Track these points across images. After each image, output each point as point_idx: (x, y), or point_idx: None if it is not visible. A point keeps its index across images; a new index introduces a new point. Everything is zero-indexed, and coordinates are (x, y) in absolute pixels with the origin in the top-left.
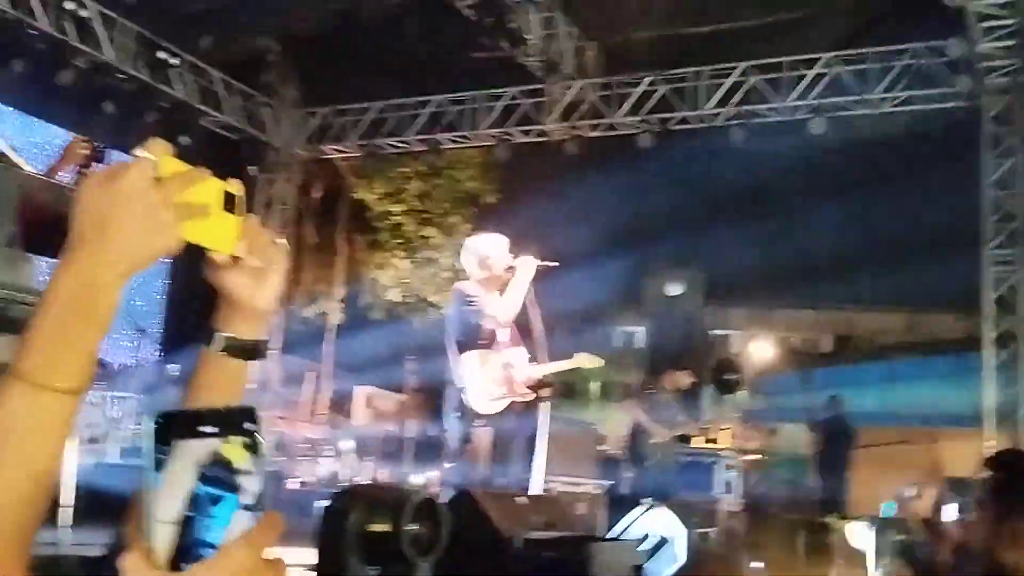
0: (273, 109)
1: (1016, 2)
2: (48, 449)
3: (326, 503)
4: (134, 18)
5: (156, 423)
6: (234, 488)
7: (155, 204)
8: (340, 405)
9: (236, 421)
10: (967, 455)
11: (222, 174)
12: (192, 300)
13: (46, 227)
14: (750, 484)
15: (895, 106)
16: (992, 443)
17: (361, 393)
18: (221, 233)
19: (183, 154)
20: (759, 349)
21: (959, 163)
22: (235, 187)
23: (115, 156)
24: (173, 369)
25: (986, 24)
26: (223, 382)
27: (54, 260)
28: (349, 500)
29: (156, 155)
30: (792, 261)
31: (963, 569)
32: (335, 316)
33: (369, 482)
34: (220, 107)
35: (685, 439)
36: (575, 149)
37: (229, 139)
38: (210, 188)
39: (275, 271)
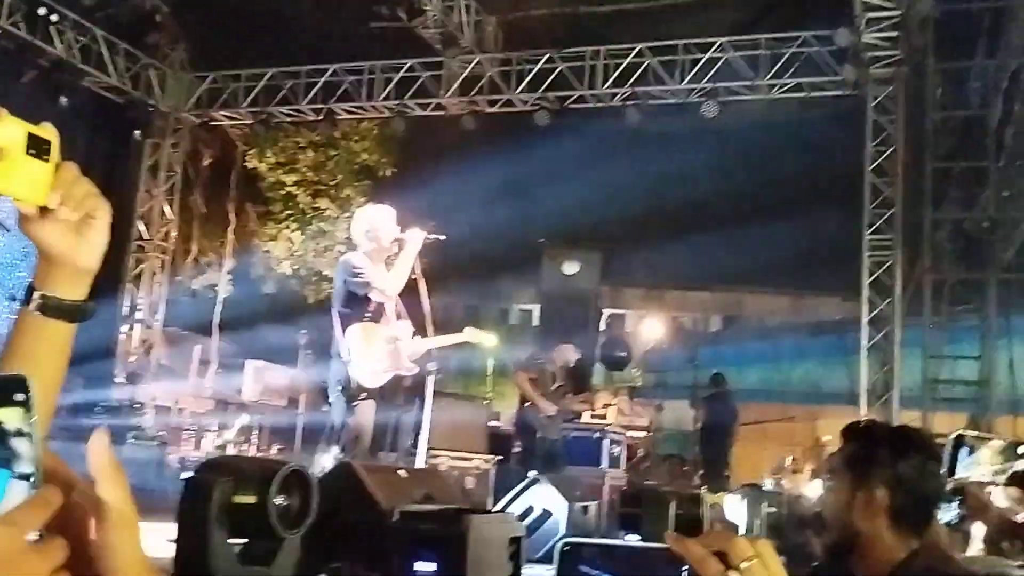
0: (160, 71)
1: None
2: None
3: (190, 474)
4: None
5: None
6: (6, 456)
7: None
8: (228, 378)
9: (6, 391)
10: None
11: (105, 137)
12: None
13: None
14: (636, 459)
15: (784, 92)
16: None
17: (251, 367)
18: (27, 181)
19: (63, 114)
20: (649, 328)
21: (844, 150)
22: (46, 131)
23: None
24: None
25: (872, 15)
26: (43, 345)
27: None
28: (213, 471)
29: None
30: (684, 242)
31: (822, 537)
32: (224, 288)
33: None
34: (104, 67)
35: (573, 414)
36: (472, 124)
37: (113, 101)
38: (11, 131)
39: (97, 225)
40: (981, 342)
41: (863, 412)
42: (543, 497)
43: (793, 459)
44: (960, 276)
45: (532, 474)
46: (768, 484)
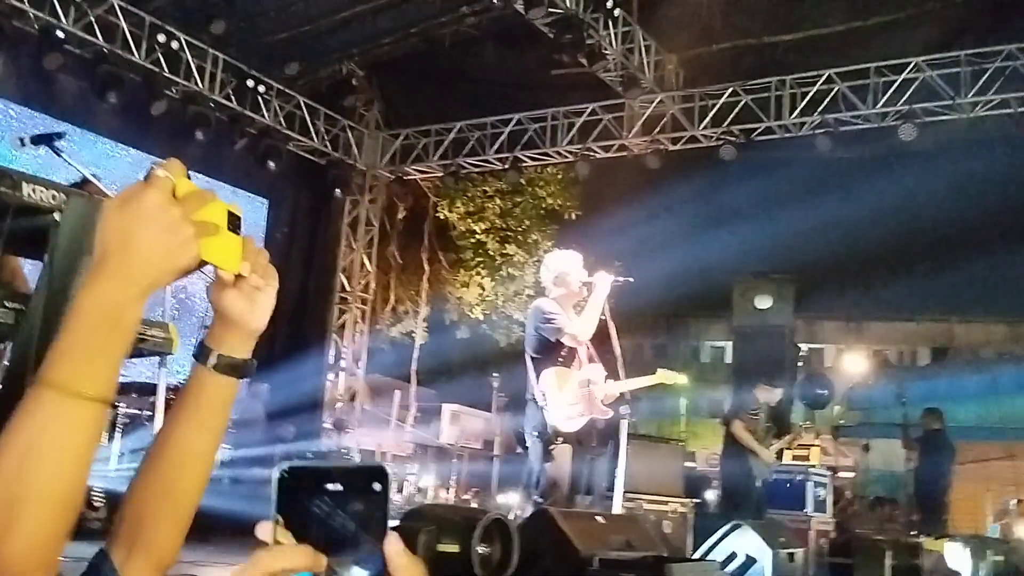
0: (357, 132)
1: None
2: (77, 457)
3: (395, 523)
4: (222, 48)
5: (281, 476)
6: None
7: (175, 222)
8: (427, 423)
9: (364, 480)
10: None
11: (309, 197)
12: None
13: None
14: (842, 502)
15: (988, 110)
16: None
17: (447, 411)
18: (228, 252)
19: (271, 177)
20: (852, 362)
21: None
22: (238, 208)
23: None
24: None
25: None
26: (214, 400)
27: None
28: (417, 520)
29: (173, 174)
30: (886, 271)
31: None
32: (420, 336)
33: (439, 502)
34: (306, 132)
35: (776, 456)
36: (657, 163)
37: (315, 163)
38: (219, 208)
39: (269, 292)
40: None
41: None
42: (746, 543)
43: (1019, 501)
44: None
45: (733, 520)
46: (992, 530)
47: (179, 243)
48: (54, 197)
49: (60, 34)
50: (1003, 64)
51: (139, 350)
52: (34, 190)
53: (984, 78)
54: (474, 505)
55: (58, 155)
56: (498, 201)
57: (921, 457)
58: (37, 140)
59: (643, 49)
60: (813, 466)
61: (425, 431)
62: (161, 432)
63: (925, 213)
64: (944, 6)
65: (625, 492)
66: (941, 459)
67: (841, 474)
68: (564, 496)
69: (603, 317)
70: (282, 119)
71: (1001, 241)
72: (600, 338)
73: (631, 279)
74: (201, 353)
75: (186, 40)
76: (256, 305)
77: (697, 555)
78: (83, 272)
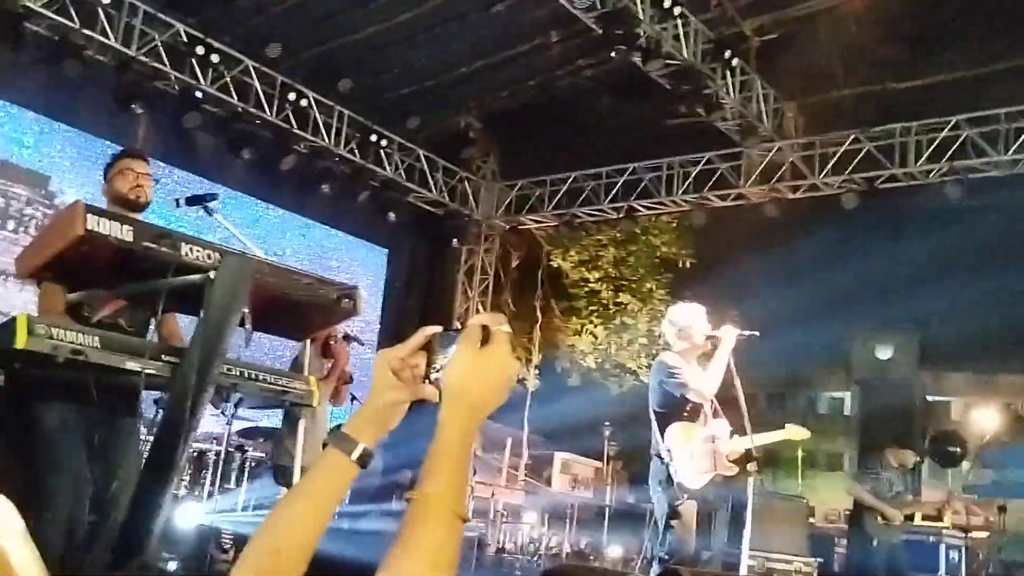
0: (474, 183)
1: None
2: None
3: None
4: (348, 104)
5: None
6: None
7: (514, 373)
8: (538, 471)
9: None
10: None
11: (428, 246)
12: None
13: (271, 309)
14: (976, 565)
15: None
16: None
17: (558, 459)
18: None
19: (392, 229)
20: (982, 417)
21: None
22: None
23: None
24: None
25: None
26: (345, 482)
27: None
28: None
29: (502, 324)
30: (1015, 322)
31: None
32: (533, 383)
33: (576, 562)
34: (426, 183)
35: (905, 518)
36: (775, 211)
37: (434, 214)
38: None
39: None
40: None
41: None
42: None
43: None
44: None
45: None
46: None
47: (508, 387)
48: (209, 256)
49: (199, 94)
50: None
51: (284, 401)
52: (191, 249)
53: None
54: (589, 554)
55: (210, 215)
56: (612, 250)
57: None
58: (191, 201)
59: (761, 98)
60: (946, 527)
61: (537, 479)
62: (288, 500)
63: None
64: None
65: (750, 550)
66: None
67: (974, 535)
68: (690, 554)
69: (728, 372)
70: (403, 172)
71: None
72: (724, 393)
73: (757, 333)
74: (344, 442)
75: (314, 98)
76: (401, 411)
77: None
78: (233, 326)
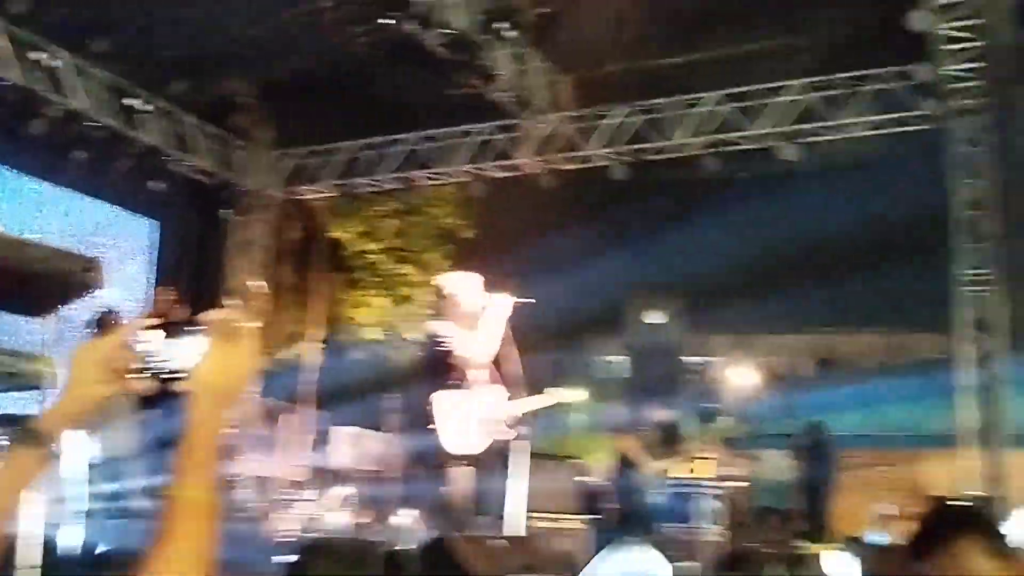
0: (247, 152)
1: (981, 25)
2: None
3: (290, 558)
4: (104, 65)
5: None
6: None
7: (256, 367)
8: (322, 446)
9: None
10: (947, 475)
11: (197, 218)
12: None
13: (6, 284)
14: (735, 513)
15: (865, 131)
16: (970, 463)
17: (344, 434)
18: None
19: (157, 198)
20: (741, 375)
21: (934, 185)
22: None
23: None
24: None
25: (951, 47)
26: (20, 476)
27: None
28: (312, 556)
29: (247, 320)
30: (772, 288)
31: None
32: (314, 356)
33: (334, 535)
34: (195, 151)
35: (669, 470)
36: (551, 183)
37: (205, 183)
38: None
39: None
40: None
41: (966, 455)
42: (643, 560)
43: (896, 507)
44: None
45: (629, 537)
46: (872, 535)
47: (252, 380)
48: None
49: None
50: (875, 87)
51: (14, 384)
52: None
53: (858, 101)
54: (373, 527)
55: None
56: (393, 221)
57: (806, 467)
58: None
59: (536, 70)
60: (706, 479)
61: (321, 455)
62: None
63: (808, 231)
64: (826, 31)
65: (527, 512)
66: (824, 469)
67: (731, 485)
68: (465, 519)
69: (504, 340)
70: (170, 138)
71: (879, 257)
72: (499, 359)
73: (532, 300)
74: (29, 439)
75: (67, 57)
76: None
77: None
78: None
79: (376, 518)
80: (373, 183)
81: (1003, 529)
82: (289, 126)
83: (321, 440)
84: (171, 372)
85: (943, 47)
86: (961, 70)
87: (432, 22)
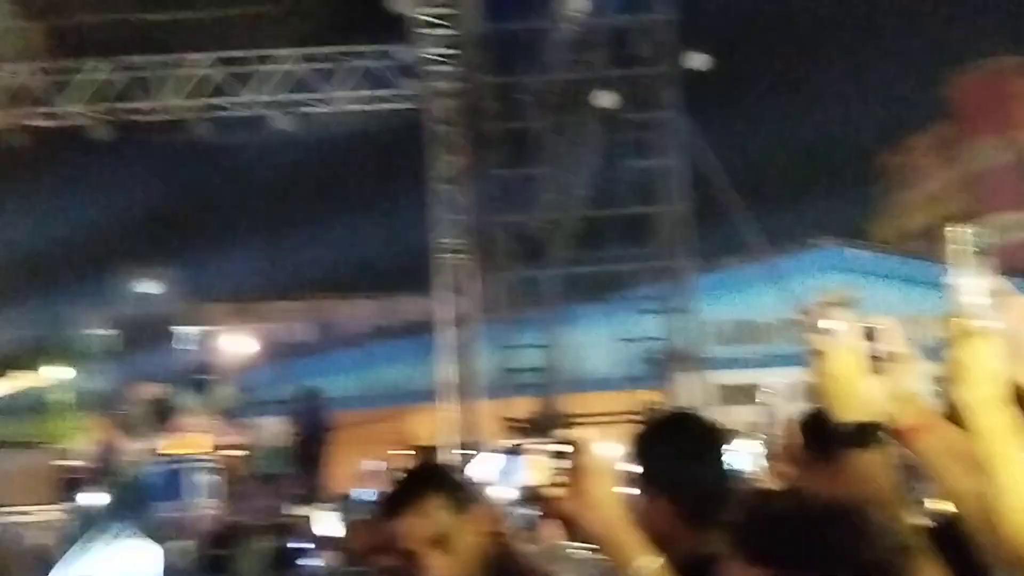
0: None
1: (456, 14)
2: None
3: None
4: None
5: None
6: None
7: None
8: None
9: None
10: (431, 427)
11: None
12: None
13: None
14: (231, 484)
15: (350, 105)
16: (450, 415)
17: None
18: None
19: None
20: (239, 343)
21: (414, 159)
22: None
23: None
24: None
25: (428, 31)
26: None
27: None
28: None
29: None
30: (269, 255)
31: None
32: None
33: None
34: None
35: (160, 447)
36: (23, 140)
37: None
38: None
39: None
40: (545, 331)
41: (444, 408)
42: (129, 547)
43: (383, 463)
44: (526, 273)
45: (116, 526)
46: (359, 492)
47: None
48: None
49: None
50: (360, 64)
51: None
52: None
53: (345, 75)
54: None
55: None
56: None
57: (301, 432)
58: None
59: (3, 12)
60: (203, 453)
61: None
62: None
63: (300, 199)
64: (312, 4)
65: None
66: (318, 432)
67: (229, 454)
68: None
69: None
70: None
71: (370, 225)
72: None
73: None
74: None
75: None
76: None
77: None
78: None
79: None
80: None
81: (467, 476)
82: None
83: None
84: None
85: (422, 31)
86: (438, 54)
87: None
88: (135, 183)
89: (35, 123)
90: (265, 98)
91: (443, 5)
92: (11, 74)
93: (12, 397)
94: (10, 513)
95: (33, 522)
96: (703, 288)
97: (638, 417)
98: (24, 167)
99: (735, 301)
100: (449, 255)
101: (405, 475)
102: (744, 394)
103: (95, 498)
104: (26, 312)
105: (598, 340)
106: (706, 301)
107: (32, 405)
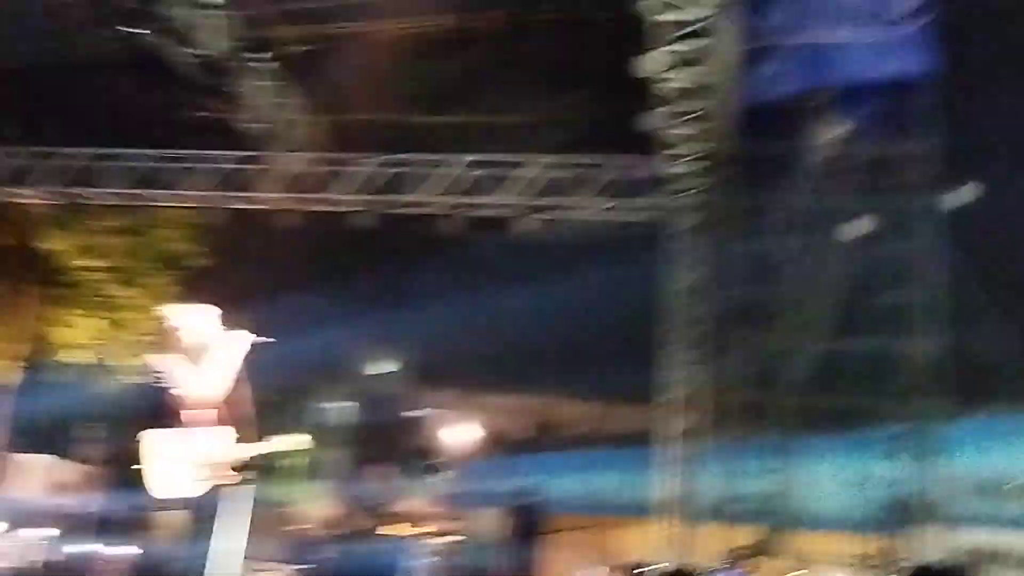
0: None
1: (702, 133)
2: None
3: None
4: None
5: None
6: None
7: None
8: (15, 474)
9: None
10: (649, 542)
11: None
12: None
13: None
14: (445, 570)
15: (598, 213)
16: (658, 531)
17: (38, 463)
18: None
19: None
20: (462, 432)
21: (651, 273)
22: None
23: None
24: None
25: (677, 150)
26: None
27: None
28: None
29: None
30: (498, 348)
31: None
32: (14, 377)
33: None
34: None
35: (383, 524)
36: (292, 220)
37: None
38: None
39: None
40: (775, 458)
41: (661, 525)
42: None
43: (602, 572)
44: (755, 397)
45: None
46: None
47: None
48: None
49: None
50: (610, 176)
51: None
52: None
53: (594, 185)
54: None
55: None
56: (117, 239)
57: (516, 528)
58: None
59: (289, 106)
60: (418, 535)
61: (9, 484)
62: None
63: (539, 300)
64: (568, 116)
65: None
66: (533, 530)
67: (445, 540)
68: (161, 563)
69: (239, 377)
70: None
71: (598, 332)
72: (231, 399)
73: (272, 339)
74: None
75: None
76: None
77: None
78: None
79: (74, 552)
80: (101, 196)
81: None
82: (13, 122)
83: (15, 468)
84: None
85: (672, 148)
86: (686, 171)
87: (186, 39)
88: (389, 268)
89: (305, 208)
90: (514, 200)
91: (695, 120)
92: (294, 162)
93: (262, 458)
94: (252, 565)
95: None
96: (959, 434)
97: (873, 563)
98: (290, 245)
99: (994, 452)
100: (678, 369)
101: None
102: (994, 559)
103: (326, 559)
104: (278, 382)
105: (831, 476)
106: (960, 449)
107: (268, 468)
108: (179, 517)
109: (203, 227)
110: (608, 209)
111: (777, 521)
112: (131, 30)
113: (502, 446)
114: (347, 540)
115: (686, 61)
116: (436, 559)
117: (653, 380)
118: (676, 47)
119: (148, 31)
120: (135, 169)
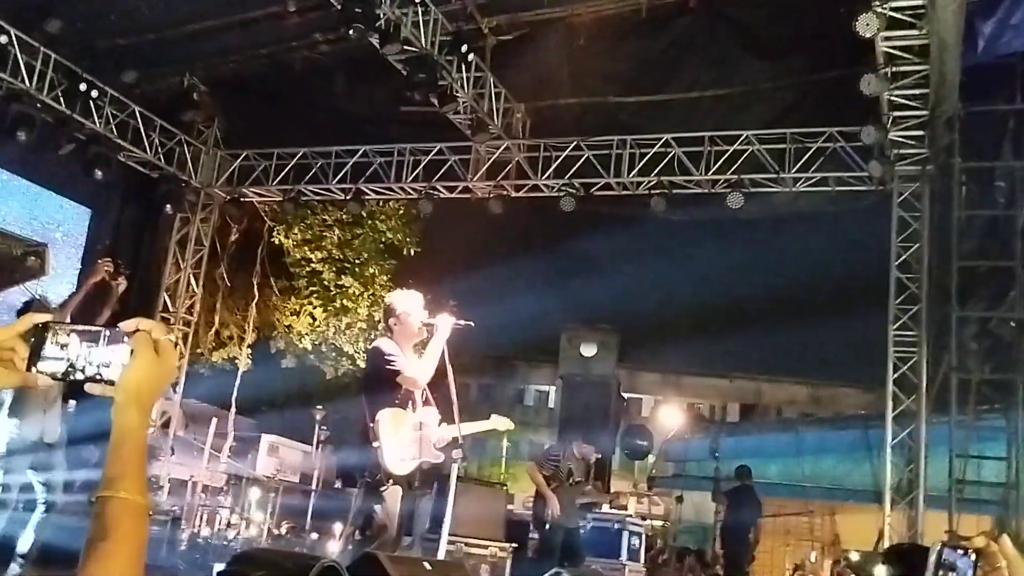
0: (194, 148)
1: (927, 95)
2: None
3: (222, 567)
4: (56, 48)
5: None
6: None
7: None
8: (244, 453)
9: None
10: (866, 529)
11: (137, 210)
12: None
13: None
14: (654, 551)
15: (808, 186)
16: (878, 518)
17: (266, 442)
18: None
19: (97, 187)
20: (668, 415)
21: (870, 245)
22: None
23: (17, 184)
24: None
25: (898, 114)
26: None
27: None
28: (247, 565)
29: (165, 334)
30: (703, 329)
31: None
32: (244, 363)
33: (267, 546)
34: (139, 142)
35: (593, 505)
36: (499, 208)
37: (146, 175)
38: None
39: None
40: (1008, 443)
41: (887, 511)
42: None
43: (815, 556)
44: (986, 376)
45: (553, 569)
46: None
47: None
48: None
49: None
50: (824, 145)
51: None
52: None
53: (806, 156)
54: (290, 538)
55: None
56: (337, 231)
57: (729, 510)
58: None
59: (493, 96)
60: (629, 515)
61: (242, 462)
62: None
63: (744, 278)
64: (776, 87)
65: (450, 535)
66: (748, 513)
67: (654, 523)
68: (391, 539)
69: (441, 361)
70: (114, 127)
71: (809, 309)
72: (435, 381)
73: (472, 323)
74: None
75: (16, 35)
76: None
77: None
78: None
79: (291, 528)
80: (321, 191)
81: None
82: (240, 126)
83: (241, 445)
84: (88, 376)
85: (891, 113)
86: (906, 136)
87: (395, 37)
88: (594, 252)
89: (511, 194)
90: (716, 177)
91: (917, 86)
92: (498, 149)
93: (472, 436)
94: (471, 545)
95: (481, 555)
96: None
97: None
98: (497, 231)
99: None
100: (900, 348)
101: None
102: None
103: (533, 541)
104: (482, 363)
105: None
106: None
107: (485, 448)
108: (396, 494)
109: (416, 217)
110: (815, 182)
111: (1007, 510)
112: (343, 32)
113: (707, 428)
114: (556, 520)
115: (906, 20)
116: (646, 541)
117: (872, 359)
118: (895, 3)
119: (354, 31)
120: (350, 164)
